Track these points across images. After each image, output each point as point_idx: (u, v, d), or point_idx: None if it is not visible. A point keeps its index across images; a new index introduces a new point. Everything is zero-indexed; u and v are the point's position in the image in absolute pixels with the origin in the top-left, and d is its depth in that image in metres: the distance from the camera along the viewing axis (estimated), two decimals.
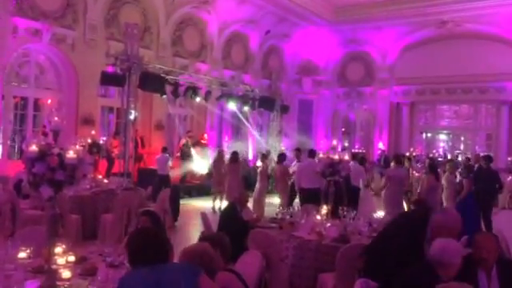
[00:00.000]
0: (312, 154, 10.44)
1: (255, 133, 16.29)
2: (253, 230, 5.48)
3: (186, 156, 14.73)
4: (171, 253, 3.11)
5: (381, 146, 19.96)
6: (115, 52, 12.03)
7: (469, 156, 15.89)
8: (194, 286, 2.48)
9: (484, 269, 3.42)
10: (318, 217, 6.37)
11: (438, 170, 10.94)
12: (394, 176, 9.55)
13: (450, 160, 13.42)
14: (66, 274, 3.44)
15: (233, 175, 11.34)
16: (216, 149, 14.52)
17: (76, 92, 12.73)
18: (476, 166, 11.24)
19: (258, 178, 11.22)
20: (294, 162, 11.51)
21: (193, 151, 14.77)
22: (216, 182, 12.13)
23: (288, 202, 10.16)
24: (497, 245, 3.52)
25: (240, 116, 15.88)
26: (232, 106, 14.62)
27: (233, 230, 4.13)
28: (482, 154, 14.87)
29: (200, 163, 14.69)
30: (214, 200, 11.98)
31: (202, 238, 3.66)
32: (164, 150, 12.51)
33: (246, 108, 14.82)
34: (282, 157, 11.43)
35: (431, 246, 3.40)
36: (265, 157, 12.20)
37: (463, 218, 8.54)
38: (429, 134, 21.16)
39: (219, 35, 16.94)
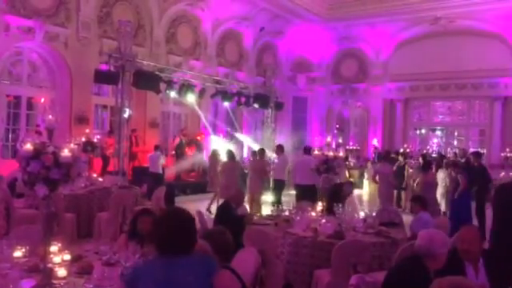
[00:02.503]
0: (307, 150, 10.48)
1: (244, 136, 16.32)
2: (248, 227, 5.49)
3: (180, 154, 14.72)
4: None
5: (375, 142, 20.03)
6: (108, 50, 11.98)
7: (456, 152, 15.91)
8: (208, 287, 2.40)
9: (470, 261, 3.47)
10: (313, 213, 6.40)
11: (432, 166, 11.01)
12: (382, 172, 9.70)
13: (444, 156, 13.51)
14: (61, 272, 3.44)
15: (229, 173, 11.29)
16: (211, 147, 14.53)
17: (69, 90, 12.67)
18: (463, 161, 11.22)
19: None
20: (276, 158, 11.60)
21: (187, 149, 14.77)
22: (211, 181, 12.11)
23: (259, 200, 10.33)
24: (478, 237, 3.56)
25: (231, 115, 15.89)
26: (226, 103, 14.61)
27: (228, 228, 4.14)
28: (471, 150, 14.95)
29: (194, 161, 14.68)
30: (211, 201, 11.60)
31: (202, 236, 3.65)
32: (156, 148, 12.48)
33: (240, 105, 14.80)
34: (262, 152, 11.39)
35: (418, 238, 3.45)
36: (255, 154, 12.17)
37: (459, 214, 8.57)
38: (423, 131, 21.26)
39: (213, 32, 16.91)
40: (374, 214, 6.51)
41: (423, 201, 6.27)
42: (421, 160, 12.52)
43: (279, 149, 11.58)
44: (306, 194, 8.91)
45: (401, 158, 13.05)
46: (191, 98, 13.03)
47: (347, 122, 21.84)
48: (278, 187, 11.06)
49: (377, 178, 10.18)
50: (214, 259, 2.60)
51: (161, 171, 12.14)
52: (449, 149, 18.99)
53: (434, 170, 10.35)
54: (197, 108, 14.56)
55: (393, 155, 13.09)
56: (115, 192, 8.29)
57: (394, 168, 11.47)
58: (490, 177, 9.76)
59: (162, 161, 12.27)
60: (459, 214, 8.65)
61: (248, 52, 18.73)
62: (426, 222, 5.64)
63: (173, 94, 12.13)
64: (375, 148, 19.27)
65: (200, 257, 2.56)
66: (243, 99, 14.11)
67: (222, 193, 10.94)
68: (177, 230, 2.50)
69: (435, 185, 9.92)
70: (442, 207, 10.24)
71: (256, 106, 14.63)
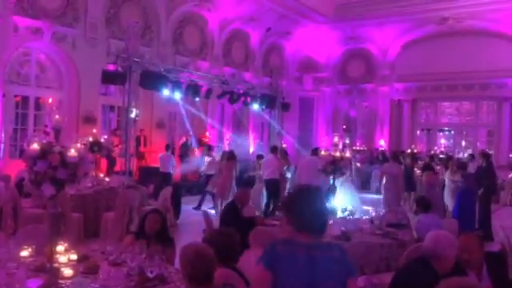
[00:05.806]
0: (315, 151, 10.45)
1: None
2: (255, 228, 5.48)
3: (185, 155, 14.74)
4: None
5: (382, 143, 19.93)
6: (116, 50, 12.04)
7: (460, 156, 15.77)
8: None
9: (472, 270, 3.34)
10: None
11: (438, 167, 10.93)
12: (389, 172, 9.57)
13: (451, 157, 13.41)
14: (67, 272, 3.45)
15: (227, 174, 11.25)
16: (218, 147, 14.54)
17: (77, 91, 12.73)
18: (481, 162, 10.99)
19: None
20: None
21: (197, 151, 14.80)
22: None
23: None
24: (478, 245, 3.41)
25: (238, 115, 15.90)
26: (233, 104, 14.60)
27: (233, 229, 4.12)
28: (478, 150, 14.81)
29: (201, 162, 14.67)
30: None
31: (205, 238, 3.62)
32: (167, 147, 12.51)
33: (246, 106, 14.79)
34: (275, 149, 11.46)
35: (425, 239, 3.39)
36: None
37: (463, 213, 8.42)
38: (430, 131, 21.12)
39: (220, 33, 16.92)
40: (381, 214, 6.47)
41: (425, 202, 6.16)
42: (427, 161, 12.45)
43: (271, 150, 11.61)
44: None
45: (408, 160, 12.96)
46: (197, 99, 13.04)
47: (354, 123, 21.75)
48: (271, 187, 10.89)
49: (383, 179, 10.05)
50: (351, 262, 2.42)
51: (172, 171, 12.15)
52: (457, 150, 18.85)
53: (440, 170, 10.27)
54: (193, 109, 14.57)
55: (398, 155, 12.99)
56: (121, 192, 8.30)
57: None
58: (495, 178, 9.64)
59: (173, 161, 12.29)
60: (462, 215, 8.52)
61: (255, 52, 18.72)
62: (428, 224, 5.52)
63: (179, 94, 12.14)
64: (376, 149, 19.06)
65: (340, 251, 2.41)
66: (250, 100, 14.10)
67: (218, 192, 10.97)
68: (316, 206, 2.36)
69: (439, 185, 9.83)
70: (450, 207, 10.17)
71: (263, 106, 14.62)
